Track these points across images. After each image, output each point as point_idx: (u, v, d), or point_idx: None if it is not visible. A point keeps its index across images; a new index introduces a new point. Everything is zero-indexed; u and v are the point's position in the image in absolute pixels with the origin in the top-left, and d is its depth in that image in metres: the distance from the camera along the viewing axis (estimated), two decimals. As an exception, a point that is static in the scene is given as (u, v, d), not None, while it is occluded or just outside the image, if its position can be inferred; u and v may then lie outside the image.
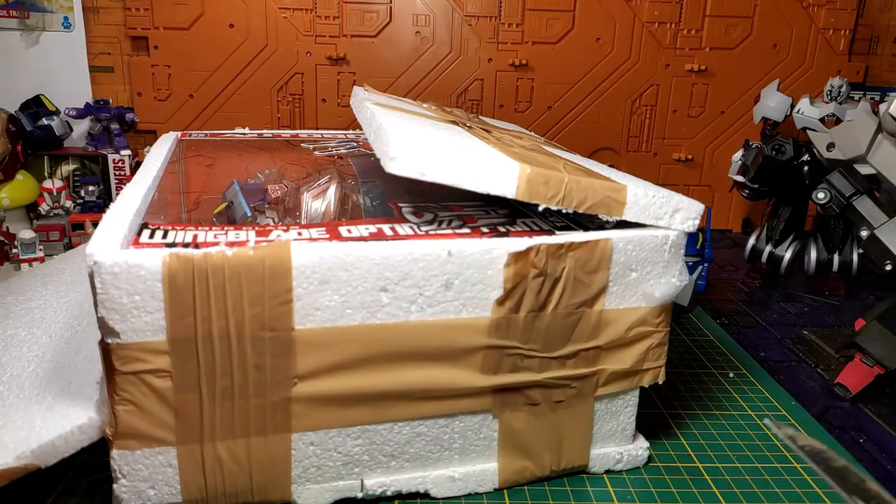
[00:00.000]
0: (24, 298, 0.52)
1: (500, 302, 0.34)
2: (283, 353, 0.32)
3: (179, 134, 0.61)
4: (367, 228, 0.34)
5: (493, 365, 0.35)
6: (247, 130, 0.66)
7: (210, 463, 0.32)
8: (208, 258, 0.29)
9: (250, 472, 0.33)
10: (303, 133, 0.65)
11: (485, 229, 0.36)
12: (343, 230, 0.34)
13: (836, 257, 0.71)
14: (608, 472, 0.40)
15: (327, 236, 0.33)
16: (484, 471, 0.38)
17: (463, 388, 0.35)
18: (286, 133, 0.65)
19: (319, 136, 0.64)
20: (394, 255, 0.32)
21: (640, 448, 0.40)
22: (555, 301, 0.35)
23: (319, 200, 0.43)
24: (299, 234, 0.33)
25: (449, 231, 0.35)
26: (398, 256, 0.32)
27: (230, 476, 0.33)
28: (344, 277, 0.32)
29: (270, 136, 0.63)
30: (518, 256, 0.34)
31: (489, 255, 0.33)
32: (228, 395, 0.32)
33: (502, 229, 0.36)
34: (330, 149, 0.57)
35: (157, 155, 0.51)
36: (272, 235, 0.33)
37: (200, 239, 0.32)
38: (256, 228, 0.34)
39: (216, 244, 0.31)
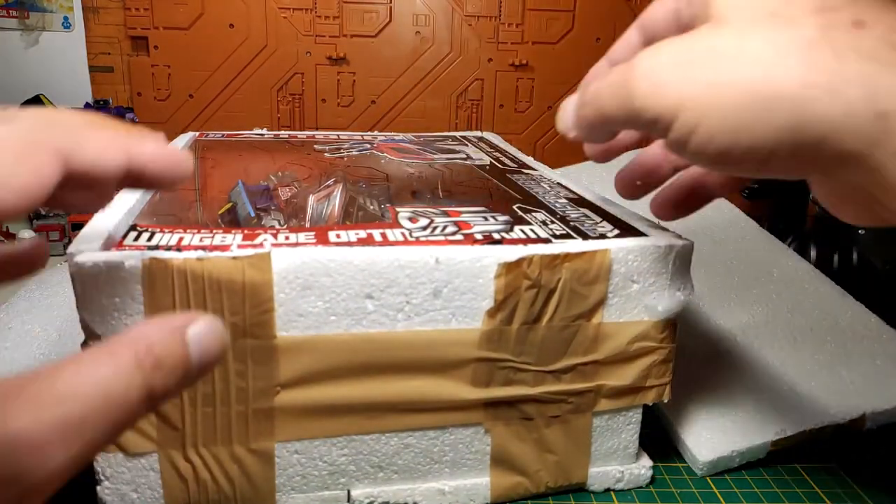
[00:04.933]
0: (48, 293, 0.52)
1: (492, 313, 0.33)
2: (264, 360, 0.31)
3: (197, 134, 0.61)
4: (356, 233, 0.34)
5: (485, 378, 0.34)
6: (264, 131, 0.66)
7: (192, 468, 0.32)
8: (188, 264, 0.29)
9: (233, 480, 0.33)
10: (318, 134, 0.65)
11: (478, 236, 0.34)
12: (332, 235, 0.33)
13: (835, 257, 0.69)
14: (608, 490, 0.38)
15: (314, 241, 0.32)
16: (476, 485, 0.36)
17: (452, 401, 0.34)
18: (302, 134, 0.65)
19: (335, 136, 0.63)
20: (379, 262, 0.31)
21: (642, 467, 0.39)
22: (549, 313, 0.34)
23: (324, 203, 0.43)
24: (286, 238, 0.33)
25: (441, 237, 0.34)
26: (383, 262, 0.31)
27: (212, 482, 0.33)
28: (327, 283, 0.31)
29: (287, 136, 0.63)
30: (510, 267, 0.32)
31: (479, 263, 0.32)
32: (210, 402, 0.31)
33: (497, 237, 0.34)
34: (343, 150, 0.56)
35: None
36: (258, 239, 0.32)
37: (185, 242, 0.31)
38: (245, 232, 0.33)
39: (200, 248, 0.30)
